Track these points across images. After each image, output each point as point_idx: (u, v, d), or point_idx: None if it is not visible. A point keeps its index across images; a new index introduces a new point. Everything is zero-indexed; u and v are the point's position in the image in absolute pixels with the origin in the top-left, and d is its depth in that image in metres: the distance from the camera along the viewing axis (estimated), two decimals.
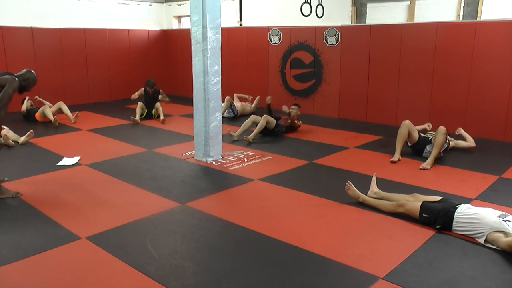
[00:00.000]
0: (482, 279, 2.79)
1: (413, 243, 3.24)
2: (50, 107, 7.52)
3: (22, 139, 6.00)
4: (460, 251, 3.16)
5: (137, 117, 7.64)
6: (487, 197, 4.17)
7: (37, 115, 7.51)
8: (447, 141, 5.35)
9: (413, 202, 3.63)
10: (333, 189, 4.34)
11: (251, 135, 6.27)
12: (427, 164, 5.06)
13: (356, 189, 4.01)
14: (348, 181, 4.08)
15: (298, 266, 2.94)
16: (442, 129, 5.19)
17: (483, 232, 3.21)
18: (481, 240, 3.22)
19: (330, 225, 3.59)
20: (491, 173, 4.85)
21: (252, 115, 6.72)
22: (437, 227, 3.43)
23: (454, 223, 3.36)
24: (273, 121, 6.53)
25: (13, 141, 6.02)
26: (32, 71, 4.33)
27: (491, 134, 6.45)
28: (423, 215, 3.50)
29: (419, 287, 2.69)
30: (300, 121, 7.08)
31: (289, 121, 6.80)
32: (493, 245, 3.17)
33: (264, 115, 6.49)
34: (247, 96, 8.77)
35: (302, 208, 3.96)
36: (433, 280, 2.77)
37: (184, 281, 2.75)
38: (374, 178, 4.17)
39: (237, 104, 8.33)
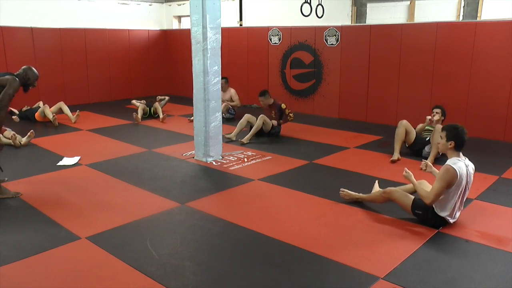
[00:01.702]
0: (482, 279, 2.80)
1: (413, 243, 3.24)
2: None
3: (23, 140, 5.99)
4: (460, 251, 3.17)
5: (139, 116, 7.69)
6: (487, 197, 4.17)
7: (36, 115, 7.50)
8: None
9: (403, 194, 3.65)
10: (333, 189, 4.34)
11: (246, 137, 6.19)
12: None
13: (351, 192, 4.03)
14: (341, 188, 4.09)
15: (298, 266, 2.94)
16: (439, 127, 5.20)
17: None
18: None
19: (330, 225, 3.59)
20: (491, 173, 4.85)
21: (246, 114, 6.52)
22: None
23: (445, 216, 3.43)
24: (269, 123, 6.41)
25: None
26: (32, 67, 4.33)
27: (491, 134, 6.45)
28: (416, 211, 3.56)
29: (419, 287, 2.69)
30: (285, 106, 6.57)
31: (273, 112, 6.54)
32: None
33: (261, 115, 6.37)
34: None
35: (302, 208, 3.96)
36: (433, 280, 2.77)
37: (184, 281, 2.75)
38: (376, 184, 4.20)
39: (232, 104, 8.19)
